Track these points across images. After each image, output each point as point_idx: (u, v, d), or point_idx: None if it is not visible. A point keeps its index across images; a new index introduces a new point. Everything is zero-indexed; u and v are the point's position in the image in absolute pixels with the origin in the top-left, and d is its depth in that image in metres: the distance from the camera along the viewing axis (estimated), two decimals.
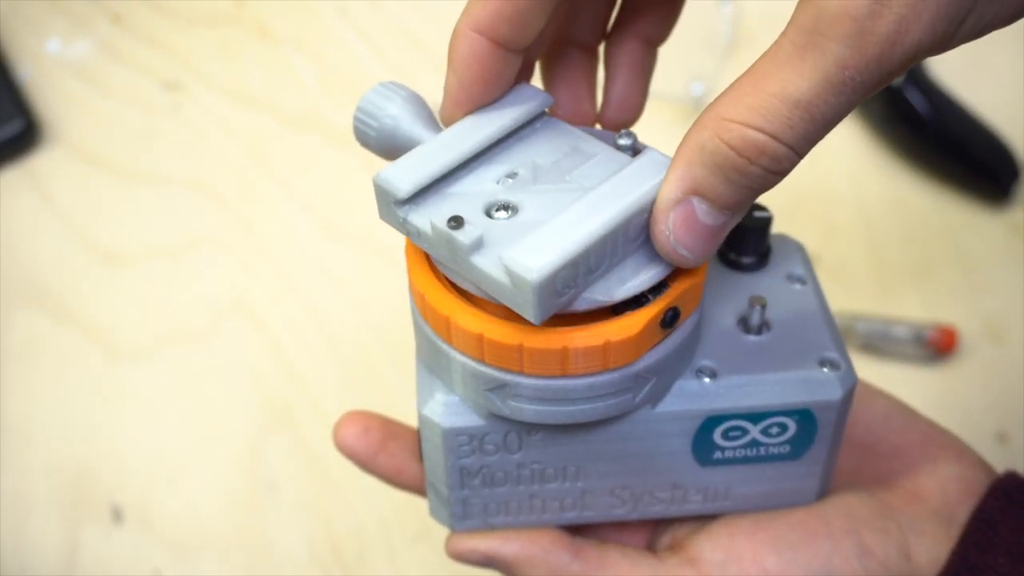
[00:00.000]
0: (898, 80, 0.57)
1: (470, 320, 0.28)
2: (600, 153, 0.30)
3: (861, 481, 0.35)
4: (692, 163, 0.25)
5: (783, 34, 0.24)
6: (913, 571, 0.32)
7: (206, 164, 0.61)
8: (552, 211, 0.27)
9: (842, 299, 0.54)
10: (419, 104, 0.31)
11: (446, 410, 0.31)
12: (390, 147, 0.31)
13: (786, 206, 0.56)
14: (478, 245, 0.26)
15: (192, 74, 0.63)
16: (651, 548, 0.36)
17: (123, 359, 0.55)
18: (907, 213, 0.58)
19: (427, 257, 0.30)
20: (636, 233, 0.27)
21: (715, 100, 0.25)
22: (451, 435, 0.31)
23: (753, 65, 0.25)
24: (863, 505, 0.33)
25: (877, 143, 0.59)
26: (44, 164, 0.61)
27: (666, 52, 0.35)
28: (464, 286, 0.28)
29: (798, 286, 0.33)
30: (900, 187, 0.59)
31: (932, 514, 0.33)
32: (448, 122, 0.30)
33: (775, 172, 0.25)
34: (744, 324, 0.32)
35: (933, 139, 0.57)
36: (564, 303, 0.26)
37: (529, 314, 0.26)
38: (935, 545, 0.32)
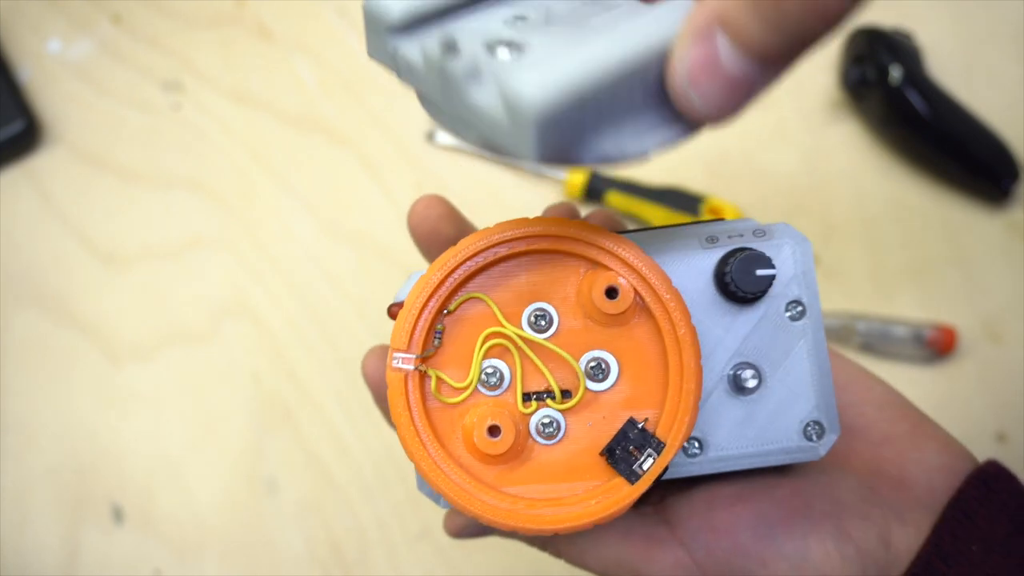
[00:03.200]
0: (898, 80, 0.57)
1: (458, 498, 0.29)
2: (625, 3, 0.26)
3: (849, 465, 0.35)
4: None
5: None
6: (891, 559, 0.32)
7: (206, 164, 0.61)
8: (563, 52, 0.23)
9: (841, 299, 0.54)
10: None
11: None
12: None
13: (786, 206, 0.56)
14: (473, 73, 0.23)
15: (192, 74, 0.63)
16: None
17: (123, 359, 0.55)
18: (907, 213, 0.58)
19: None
20: (655, 82, 0.24)
21: None
22: None
23: None
24: (849, 490, 0.33)
25: (877, 143, 0.59)
26: (44, 164, 0.61)
27: None
28: (453, 135, 0.26)
29: (795, 323, 0.32)
30: (900, 187, 0.59)
31: (916, 502, 0.33)
32: None
33: (820, 14, 0.20)
34: (735, 383, 0.32)
35: (933, 139, 0.57)
36: (569, 149, 0.23)
37: (528, 151, 0.22)
38: (916, 534, 0.32)
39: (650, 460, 0.29)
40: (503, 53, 0.24)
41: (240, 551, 0.49)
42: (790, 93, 0.60)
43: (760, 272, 0.31)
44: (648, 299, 0.30)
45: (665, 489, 0.35)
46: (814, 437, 0.32)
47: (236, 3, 0.65)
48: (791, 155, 0.58)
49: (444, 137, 0.61)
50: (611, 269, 0.30)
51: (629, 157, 0.24)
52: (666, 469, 0.29)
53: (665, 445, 0.29)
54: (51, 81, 0.63)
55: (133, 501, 0.50)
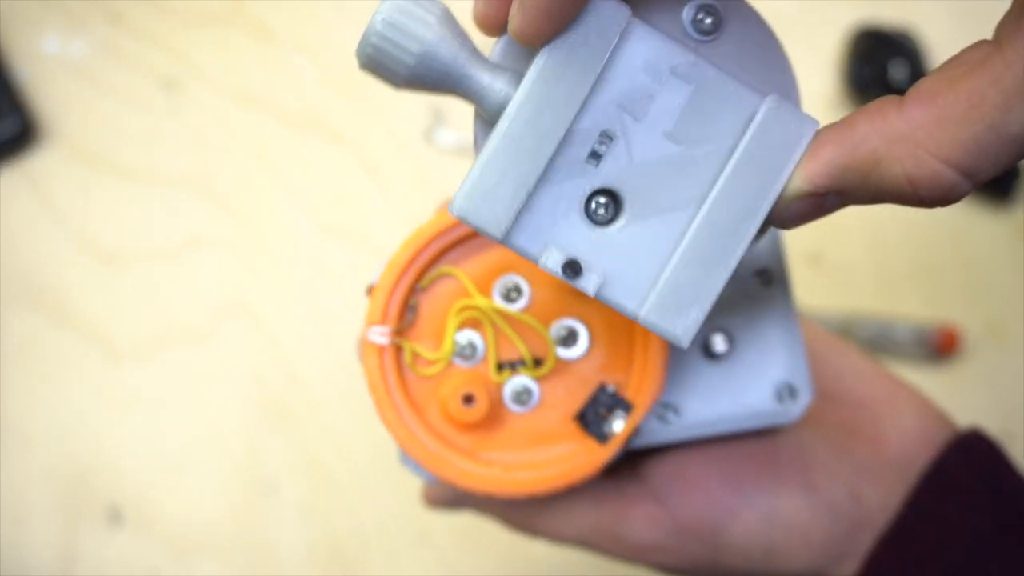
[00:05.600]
0: (900, 80, 0.57)
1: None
2: (696, 78, 0.24)
3: (823, 428, 0.35)
4: (847, 169, 0.22)
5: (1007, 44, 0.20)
6: (862, 514, 0.32)
7: (206, 164, 0.61)
8: (658, 206, 0.24)
9: (843, 299, 0.54)
10: (454, 22, 0.24)
11: None
12: (421, 79, 0.24)
13: None
14: (602, 286, 0.24)
15: (192, 74, 0.63)
16: None
17: (122, 359, 0.54)
18: (908, 213, 0.57)
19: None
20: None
21: (908, 104, 0.21)
22: None
23: (955, 72, 0.21)
24: (818, 445, 0.34)
25: None
26: (42, 164, 0.61)
27: None
28: None
29: (764, 289, 0.33)
30: None
31: (889, 463, 0.33)
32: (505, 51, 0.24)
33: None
34: (706, 349, 0.33)
35: None
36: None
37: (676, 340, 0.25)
38: (888, 492, 0.33)
39: (620, 421, 0.30)
40: (601, 214, 0.24)
41: (239, 552, 0.49)
42: None
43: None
44: None
45: (640, 458, 0.35)
46: (787, 399, 0.32)
47: (236, 2, 0.65)
48: None
49: (444, 137, 0.61)
50: None
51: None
52: (637, 432, 0.31)
53: (634, 406, 0.30)
54: (49, 80, 0.63)
55: (132, 502, 0.50)
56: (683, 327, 0.24)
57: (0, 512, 0.50)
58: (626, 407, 0.30)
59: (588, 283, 0.24)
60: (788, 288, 0.33)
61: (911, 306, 0.54)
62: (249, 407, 0.53)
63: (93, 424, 0.52)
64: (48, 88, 0.63)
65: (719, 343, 0.32)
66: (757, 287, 0.33)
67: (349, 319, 0.56)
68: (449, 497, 0.37)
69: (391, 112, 0.61)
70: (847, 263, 0.56)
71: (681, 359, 0.32)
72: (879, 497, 0.33)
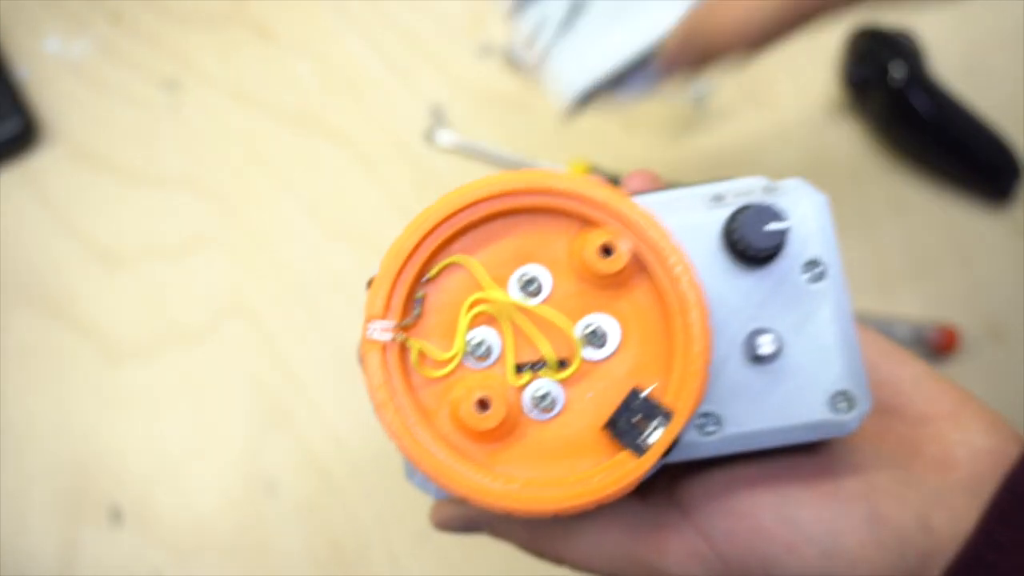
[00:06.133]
0: (900, 80, 0.57)
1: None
2: None
3: (884, 446, 0.31)
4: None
5: None
6: (932, 544, 0.29)
7: (206, 164, 0.61)
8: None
9: None
10: None
11: None
12: None
13: None
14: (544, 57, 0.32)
15: (192, 74, 0.63)
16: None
17: (122, 359, 0.55)
18: (908, 212, 0.57)
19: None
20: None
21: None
22: None
23: None
24: (882, 470, 0.30)
25: (879, 143, 0.59)
26: (43, 164, 0.61)
27: None
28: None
29: (815, 285, 0.30)
30: (901, 186, 0.58)
31: (959, 486, 0.30)
32: None
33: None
34: (750, 352, 0.29)
35: (935, 139, 0.57)
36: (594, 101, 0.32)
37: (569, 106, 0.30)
38: (959, 518, 0.29)
39: (658, 431, 0.26)
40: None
41: (239, 551, 0.49)
42: (791, 93, 0.59)
43: (771, 227, 0.28)
44: (647, 256, 0.27)
45: (677, 473, 0.32)
46: (842, 409, 0.29)
47: (236, 2, 0.65)
48: (793, 155, 0.58)
49: (444, 137, 0.61)
50: (605, 225, 0.27)
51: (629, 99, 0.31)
52: (676, 444, 0.27)
53: (674, 414, 0.26)
54: (49, 80, 0.63)
55: (132, 501, 0.50)
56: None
57: (0, 512, 0.50)
58: (665, 414, 0.27)
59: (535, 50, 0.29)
60: (842, 282, 0.30)
61: (910, 305, 0.54)
62: (249, 407, 0.53)
63: (93, 424, 0.52)
64: (48, 88, 0.63)
65: (766, 345, 0.28)
66: (807, 281, 0.30)
67: (349, 319, 0.56)
68: (462, 518, 0.34)
69: (391, 112, 0.61)
70: (847, 263, 0.56)
71: (723, 363, 0.29)
72: (951, 525, 0.29)
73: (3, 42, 0.64)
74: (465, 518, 0.34)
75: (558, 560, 0.33)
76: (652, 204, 0.29)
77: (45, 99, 0.62)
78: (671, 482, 0.32)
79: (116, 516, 0.50)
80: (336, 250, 0.58)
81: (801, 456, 0.30)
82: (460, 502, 0.32)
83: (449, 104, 0.61)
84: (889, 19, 0.59)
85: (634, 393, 0.27)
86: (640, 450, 0.26)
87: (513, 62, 0.61)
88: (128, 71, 0.63)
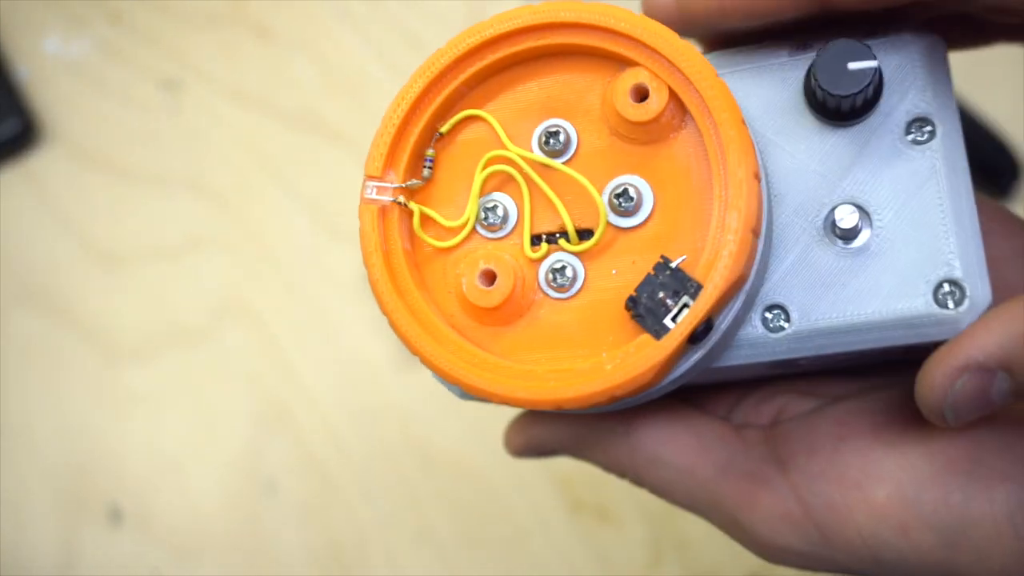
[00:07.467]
0: None
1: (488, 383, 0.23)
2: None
3: None
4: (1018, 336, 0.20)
5: None
6: None
7: (206, 164, 0.61)
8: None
9: None
10: None
11: None
12: None
13: None
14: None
15: (192, 74, 0.63)
16: (730, 416, 0.29)
17: (122, 359, 0.55)
18: None
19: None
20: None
21: None
22: None
23: None
24: None
25: None
26: (42, 164, 0.61)
27: None
28: None
29: (920, 146, 0.24)
30: None
31: None
32: None
33: None
34: (834, 228, 0.24)
35: None
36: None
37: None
38: None
39: (685, 309, 0.22)
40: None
41: (239, 551, 0.49)
42: None
43: (855, 65, 0.23)
44: (689, 101, 0.23)
45: (746, 390, 0.28)
46: (950, 303, 0.23)
47: (235, 2, 0.65)
48: None
49: None
50: (641, 65, 0.23)
51: None
52: (732, 342, 0.23)
53: (702, 287, 0.22)
54: (49, 80, 0.63)
55: (132, 501, 0.50)
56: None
57: (0, 512, 0.50)
58: (696, 288, 0.22)
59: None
60: (958, 144, 0.24)
61: None
62: (249, 407, 0.53)
63: (93, 423, 0.52)
64: (48, 88, 0.63)
65: (851, 219, 0.23)
66: (911, 146, 0.24)
67: (349, 319, 0.56)
68: (530, 442, 0.30)
69: None
70: None
71: (794, 241, 0.24)
72: None
73: (3, 42, 0.64)
74: (537, 438, 0.30)
75: (638, 481, 0.29)
76: (727, 57, 0.25)
77: (45, 99, 0.62)
78: (774, 428, 0.27)
79: (116, 516, 0.50)
80: (336, 250, 0.58)
81: (933, 429, 0.25)
82: (524, 425, 0.29)
83: None
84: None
85: (662, 263, 0.22)
86: (662, 331, 0.22)
87: None
88: (128, 71, 0.63)
